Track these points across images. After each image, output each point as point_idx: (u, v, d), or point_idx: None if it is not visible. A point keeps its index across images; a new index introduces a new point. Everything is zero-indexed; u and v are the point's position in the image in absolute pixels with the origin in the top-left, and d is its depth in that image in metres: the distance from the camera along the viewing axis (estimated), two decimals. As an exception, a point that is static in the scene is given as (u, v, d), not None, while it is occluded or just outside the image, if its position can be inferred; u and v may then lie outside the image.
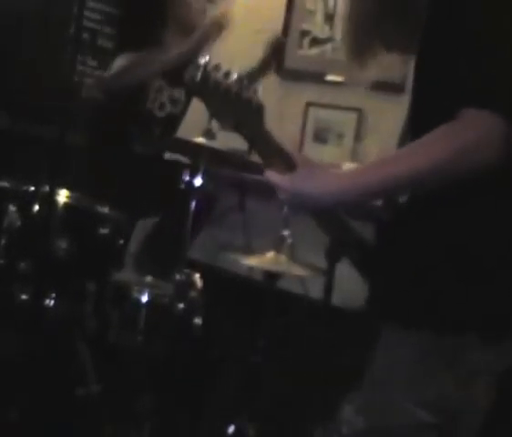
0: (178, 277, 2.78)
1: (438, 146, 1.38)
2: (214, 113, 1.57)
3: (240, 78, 1.45)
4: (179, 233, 2.82)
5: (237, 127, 1.57)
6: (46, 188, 2.84)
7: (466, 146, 1.36)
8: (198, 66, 1.42)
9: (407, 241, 1.52)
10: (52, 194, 2.76)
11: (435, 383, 1.47)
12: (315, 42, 4.25)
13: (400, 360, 1.50)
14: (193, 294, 2.85)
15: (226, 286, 3.68)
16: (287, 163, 1.52)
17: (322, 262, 2.72)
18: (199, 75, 1.40)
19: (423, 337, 1.47)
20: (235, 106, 1.47)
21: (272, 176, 1.52)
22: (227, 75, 1.45)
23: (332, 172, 1.48)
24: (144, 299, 2.84)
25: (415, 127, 1.53)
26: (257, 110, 1.42)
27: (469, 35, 1.39)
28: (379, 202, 1.66)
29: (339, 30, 4.16)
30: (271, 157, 1.53)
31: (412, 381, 1.49)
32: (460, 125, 1.36)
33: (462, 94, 1.37)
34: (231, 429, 2.77)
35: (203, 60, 1.42)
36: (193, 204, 2.78)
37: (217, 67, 1.47)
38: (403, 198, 1.52)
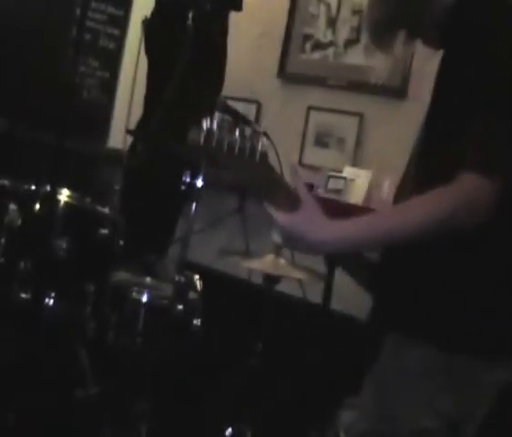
0: (177, 278, 2.78)
1: (433, 207, 1.43)
2: (219, 169, 1.58)
3: (242, 135, 1.45)
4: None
5: (244, 180, 1.60)
6: (47, 188, 2.84)
7: (459, 211, 1.42)
8: (200, 129, 1.42)
9: (411, 261, 1.54)
10: (53, 193, 2.75)
11: (436, 395, 1.48)
12: (317, 46, 4.25)
13: (404, 370, 1.52)
14: (192, 296, 2.85)
15: (225, 288, 3.68)
16: (290, 202, 1.53)
17: (321, 266, 2.72)
18: (202, 137, 1.40)
19: (426, 351, 1.48)
20: (240, 163, 1.48)
21: (272, 210, 1.54)
22: (231, 130, 1.46)
23: (329, 222, 1.53)
24: (143, 300, 2.84)
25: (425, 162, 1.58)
26: (263, 163, 1.43)
27: (474, 101, 1.43)
28: None
29: (341, 34, 4.16)
30: (275, 196, 1.54)
31: (415, 391, 1.50)
32: (457, 189, 1.42)
33: (462, 158, 1.42)
34: (229, 431, 2.77)
35: (205, 123, 1.41)
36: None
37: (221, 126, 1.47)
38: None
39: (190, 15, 3.59)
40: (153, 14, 4.01)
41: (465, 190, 1.41)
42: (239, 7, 4.03)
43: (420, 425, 1.49)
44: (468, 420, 1.52)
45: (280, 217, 1.52)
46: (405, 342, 1.52)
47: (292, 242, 1.54)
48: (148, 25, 3.95)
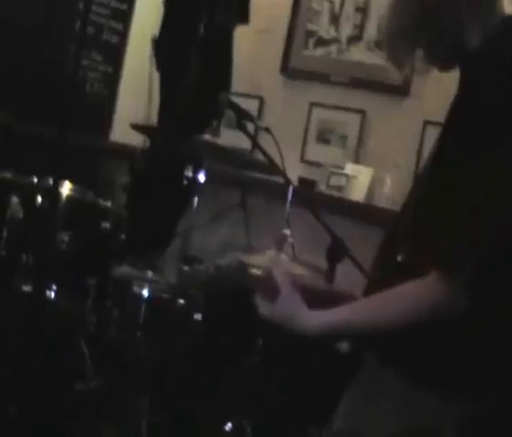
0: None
1: (401, 304, 1.49)
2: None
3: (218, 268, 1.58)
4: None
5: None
6: (49, 181, 2.85)
7: (425, 309, 1.47)
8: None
9: None
10: (55, 187, 2.76)
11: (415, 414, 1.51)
12: (320, 42, 4.25)
13: (381, 387, 1.56)
14: (194, 290, 2.86)
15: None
16: (271, 291, 1.64)
17: (322, 262, 2.72)
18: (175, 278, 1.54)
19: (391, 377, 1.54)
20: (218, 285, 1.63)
21: (257, 301, 1.66)
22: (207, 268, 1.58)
23: (306, 312, 1.62)
24: (144, 294, 2.85)
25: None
26: (240, 276, 1.55)
27: (463, 202, 1.43)
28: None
29: (344, 31, 4.16)
30: (256, 290, 1.68)
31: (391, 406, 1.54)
32: (426, 287, 1.46)
33: (438, 255, 1.45)
34: (229, 426, 2.78)
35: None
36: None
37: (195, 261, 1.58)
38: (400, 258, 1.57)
39: (202, 27, 3.64)
40: (161, 31, 4.09)
41: (429, 295, 1.45)
42: (246, 20, 4.09)
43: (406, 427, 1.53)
44: None
45: (265, 307, 1.64)
46: (379, 366, 1.59)
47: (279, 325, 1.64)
48: (156, 43, 4.05)
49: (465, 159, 1.43)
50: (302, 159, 4.18)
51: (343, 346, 2.48)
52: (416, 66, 1.62)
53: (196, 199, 2.81)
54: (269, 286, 1.64)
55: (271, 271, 1.66)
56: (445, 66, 1.62)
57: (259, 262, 2.75)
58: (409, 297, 1.48)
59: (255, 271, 1.64)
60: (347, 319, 1.57)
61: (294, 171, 3.86)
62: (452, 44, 1.55)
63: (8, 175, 2.96)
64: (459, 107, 1.53)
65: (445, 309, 1.45)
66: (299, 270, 2.75)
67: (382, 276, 1.57)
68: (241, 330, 3.01)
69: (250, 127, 3.32)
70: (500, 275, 1.47)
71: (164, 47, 4.08)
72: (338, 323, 1.58)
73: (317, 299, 1.65)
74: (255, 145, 3.29)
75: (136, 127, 3.59)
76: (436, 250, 1.45)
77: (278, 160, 3.08)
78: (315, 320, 1.59)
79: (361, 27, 4.08)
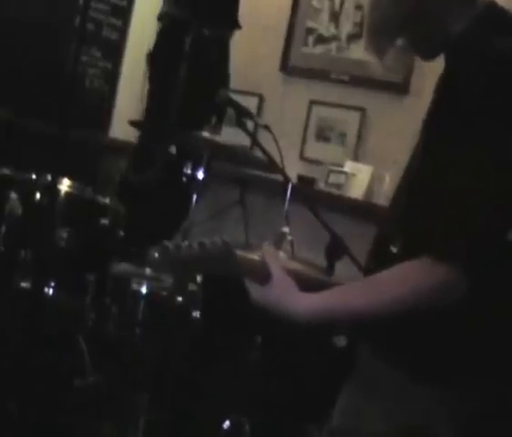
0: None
1: (395, 288, 1.45)
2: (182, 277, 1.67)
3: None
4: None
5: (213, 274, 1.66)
6: (48, 177, 2.84)
7: (420, 293, 1.43)
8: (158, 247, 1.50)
9: None
10: (54, 183, 2.76)
11: (411, 409, 1.50)
12: (320, 40, 4.24)
13: (378, 383, 1.55)
14: (192, 288, 2.86)
15: (225, 281, 3.67)
16: (262, 276, 1.57)
17: (322, 260, 2.72)
18: (157, 254, 1.49)
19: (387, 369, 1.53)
20: (203, 265, 1.56)
21: (248, 285, 1.58)
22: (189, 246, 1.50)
23: (300, 294, 1.55)
24: (143, 291, 2.85)
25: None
26: (225, 257, 1.49)
27: (453, 185, 1.42)
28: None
29: (344, 29, 4.16)
30: (246, 274, 1.59)
31: (388, 400, 1.53)
32: (418, 271, 1.43)
33: (427, 240, 1.43)
34: (227, 424, 2.78)
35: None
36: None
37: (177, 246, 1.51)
38: (394, 249, 1.56)
39: (188, 40, 3.66)
40: (155, 46, 4.11)
41: (428, 277, 1.42)
42: (237, 26, 4.09)
43: (400, 424, 1.52)
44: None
45: (253, 291, 1.56)
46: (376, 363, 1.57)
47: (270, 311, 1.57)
48: (150, 57, 4.09)
49: (450, 144, 1.43)
50: (302, 157, 4.18)
51: (341, 340, 2.47)
52: (398, 55, 1.63)
53: (195, 197, 2.81)
54: (260, 270, 1.56)
55: (263, 256, 1.58)
56: (428, 55, 1.63)
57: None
58: (408, 279, 1.44)
59: (244, 253, 1.57)
60: (341, 301, 1.52)
61: (294, 169, 3.86)
62: (436, 35, 1.57)
63: (7, 171, 2.96)
64: (443, 93, 1.53)
65: (443, 293, 1.42)
66: (298, 268, 2.75)
67: (376, 267, 1.55)
68: (238, 326, 3.01)
69: (250, 124, 3.32)
70: (499, 263, 1.46)
71: (157, 61, 4.14)
72: (331, 307, 1.52)
73: (313, 289, 1.58)
74: (254, 142, 3.29)
75: (134, 123, 3.59)
76: (430, 236, 1.43)
77: (277, 158, 3.08)
78: (306, 302, 1.53)
79: (361, 25, 4.08)
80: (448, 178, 1.42)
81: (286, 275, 1.58)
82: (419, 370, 1.50)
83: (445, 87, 1.53)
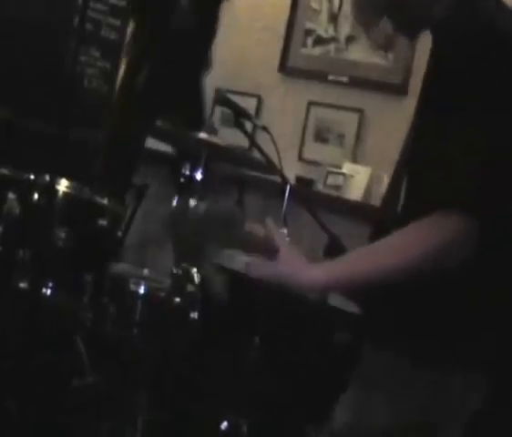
0: (175, 271, 2.79)
1: (411, 244, 1.43)
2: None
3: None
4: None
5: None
6: (46, 177, 2.84)
7: (437, 247, 1.41)
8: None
9: None
10: (52, 183, 2.76)
11: (415, 401, 1.50)
12: (319, 41, 4.25)
13: (376, 366, 1.55)
14: (190, 288, 2.85)
15: (222, 282, 3.67)
16: (268, 250, 1.54)
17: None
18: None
19: (394, 357, 1.51)
20: (210, 225, 1.53)
21: (255, 267, 1.52)
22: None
23: (313, 265, 1.52)
24: (141, 291, 2.85)
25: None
26: (232, 220, 1.47)
27: (457, 138, 1.42)
28: None
29: (343, 30, 4.16)
30: (252, 249, 1.58)
31: (382, 390, 1.53)
32: (432, 225, 1.41)
33: (435, 197, 1.42)
34: (225, 425, 2.78)
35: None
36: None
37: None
38: None
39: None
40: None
41: (439, 231, 1.40)
42: (210, 65, 3.99)
43: (404, 420, 1.51)
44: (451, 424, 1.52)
45: (262, 267, 1.52)
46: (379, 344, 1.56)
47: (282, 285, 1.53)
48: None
49: (443, 127, 1.44)
50: (300, 158, 4.18)
51: (342, 337, 2.47)
52: (386, 32, 1.64)
53: (193, 198, 2.80)
54: (266, 245, 1.53)
55: (269, 230, 1.55)
56: (412, 36, 1.66)
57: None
58: (421, 232, 1.41)
59: (251, 225, 1.53)
60: (355, 265, 1.49)
61: (292, 170, 3.86)
62: (419, 18, 1.59)
63: (5, 171, 2.96)
64: (431, 74, 1.55)
65: (458, 244, 1.39)
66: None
67: None
68: (237, 326, 3.01)
69: (248, 125, 3.32)
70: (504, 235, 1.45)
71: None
72: (349, 270, 1.48)
73: None
74: (253, 143, 3.29)
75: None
76: (438, 192, 1.41)
77: (275, 159, 3.08)
78: (319, 270, 1.49)
79: (359, 27, 4.08)
80: (446, 150, 1.42)
81: (294, 248, 1.55)
82: (421, 356, 1.48)
83: (432, 67, 1.54)
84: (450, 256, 1.41)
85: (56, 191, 2.89)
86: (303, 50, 4.29)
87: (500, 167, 1.41)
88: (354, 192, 3.88)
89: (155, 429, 2.80)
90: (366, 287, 1.51)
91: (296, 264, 1.52)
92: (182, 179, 2.83)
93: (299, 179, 3.96)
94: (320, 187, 3.95)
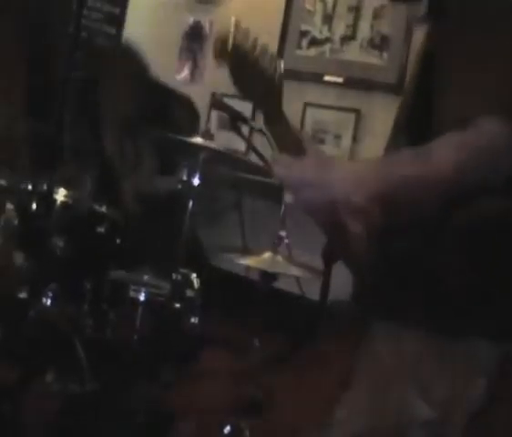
0: (174, 276, 2.79)
1: (457, 153, 1.25)
2: (237, 81, 1.59)
3: (266, 52, 1.46)
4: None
5: (256, 101, 1.56)
6: (44, 187, 2.85)
7: (482, 153, 1.26)
8: (228, 34, 1.44)
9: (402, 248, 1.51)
10: (50, 192, 2.76)
11: (431, 382, 1.47)
12: (314, 42, 4.25)
13: (401, 354, 1.51)
14: (190, 293, 2.86)
15: (222, 286, 3.68)
16: (298, 150, 1.38)
17: (319, 263, 2.72)
18: (230, 44, 1.42)
19: (421, 334, 1.47)
20: (259, 79, 1.47)
21: (280, 168, 1.26)
22: (254, 46, 1.45)
23: (348, 162, 1.39)
24: (141, 298, 2.85)
25: (414, 129, 1.51)
26: (277, 89, 1.42)
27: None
28: None
29: (337, 31, 4.16)
30: (283, 141, 1.49)
31: (412, 377, 1.49)
32: (474, 133, 1.26)
33: (472, 103, 1.29)
34: (228, 429, 2.77)
35: (231, 28, 1.44)
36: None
37: (245, 36, 1.47)
38: None
39: None
40: None
41: (485, 136, 1.24)
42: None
43: (413, 418, 1.49)
44: (459, 405, 1.49)
45: (292, 167, 1.24)
46: (401, 328, 1.50)
47: (306, 195, 1.25)
48: None
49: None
50: (297, 159, 4.18)
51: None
52: None
53: (191, 202, 2.81)
54: (295, 142, 1.42)
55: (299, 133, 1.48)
56: None
57: (255, 264, 2.75)
58: (465, 138, 1.23)
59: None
60: (405, 170, 1.23)
61: (289, 172, 3.86)
62: None
63: (3, 181, 2.96)
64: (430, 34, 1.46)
65: (504, 154, 1.23)
66: (295, 271, 2.76)
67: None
68: (236, 326, 3.01)
69: (245, 128, 3.32)
70: None
71: None
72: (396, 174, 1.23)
73: None
74: (249, 146, 3.29)
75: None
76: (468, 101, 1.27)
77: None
78: (368, 170, 1.23)
79: (354, 27, 4.09)
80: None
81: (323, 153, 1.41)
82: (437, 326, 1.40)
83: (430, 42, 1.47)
84: (498, 167, 1.25)
85: (54, 200, 2.89)
86: (298, 52, 4.30)
87: None
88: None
89: (155, 433, 2.81)
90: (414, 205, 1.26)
91: (328, 164, 1.26)
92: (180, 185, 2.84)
93: (297, 181, 3.96)
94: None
